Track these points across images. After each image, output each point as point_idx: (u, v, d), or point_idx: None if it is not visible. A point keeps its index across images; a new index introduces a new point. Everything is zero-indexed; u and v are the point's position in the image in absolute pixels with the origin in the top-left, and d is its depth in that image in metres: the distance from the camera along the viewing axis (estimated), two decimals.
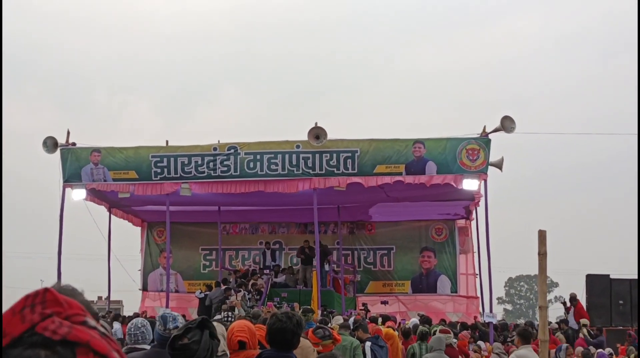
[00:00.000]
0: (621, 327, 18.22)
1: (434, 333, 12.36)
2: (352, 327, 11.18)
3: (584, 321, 18.36)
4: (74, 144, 20.97)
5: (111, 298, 27.26)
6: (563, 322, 19.53)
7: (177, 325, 4.92)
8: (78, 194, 20.99)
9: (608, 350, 14.04)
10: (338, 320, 13.22)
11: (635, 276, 19.17)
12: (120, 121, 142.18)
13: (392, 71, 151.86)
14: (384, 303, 24.68)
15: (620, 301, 18.87)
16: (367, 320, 14.99)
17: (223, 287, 20.78)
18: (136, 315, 19.36)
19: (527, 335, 9.30)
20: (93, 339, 1.04)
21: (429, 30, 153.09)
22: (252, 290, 21.57)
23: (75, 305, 1.08)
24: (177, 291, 26.27)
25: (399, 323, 18.03)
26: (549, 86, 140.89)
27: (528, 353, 8.94)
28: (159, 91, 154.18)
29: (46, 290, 1.08)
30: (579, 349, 14.47)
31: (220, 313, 16.98)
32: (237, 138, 22.40)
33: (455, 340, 12.91)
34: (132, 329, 5.41)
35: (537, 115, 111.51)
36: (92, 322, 1.08)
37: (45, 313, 1.05)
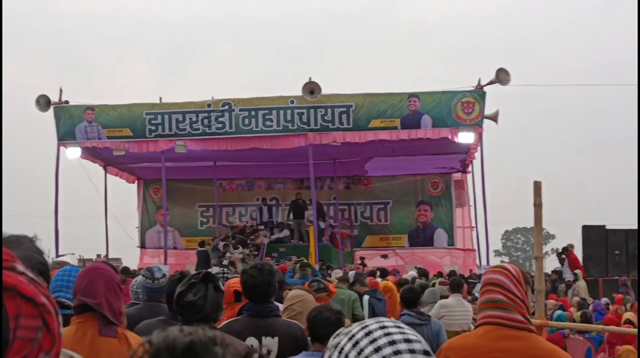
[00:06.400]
0: (617, 277, 18.36)
1: (433, 286, 12.43)
2: (351, 281, 11.21)
3: (578, 272, 18.49)
4: (66, 102, 20.83)
5: (110, 256, 27.32)
6: (555, 272, 19.60)
7: (164, 273, 4.96)
8: (73, 152, 20.95)
9: (604, 299, 14.17)
10: (337, 273, 13.27)
11: (631, 227, 19.26)
12: (115, 77, 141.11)
13: (390, 24, 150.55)
14: (384, 256, 24.81)
15: (616, 252, 18.99)
16: (365, 274, 15.06)
17: (222, 243, 20.85)
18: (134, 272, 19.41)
19: (457, 285, 9.63)
20: (20, 283, 1.07)
21: None
22: (250, 245, 21.70)
23: (4, 252, 1.10)
24: (175, 248, 26.34)
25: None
26: (546, 36, 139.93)
27: (452, 301, 9.19)
28: (154, 47, 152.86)
29: None
30: (575, 299, 14.62)
31: (219, 267, 17.04)
32: (232, 94, 22.17)
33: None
34: (135, 286, 5.48)
35: (533, 66, 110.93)
36: (20, 268, 1.09)
37: None
